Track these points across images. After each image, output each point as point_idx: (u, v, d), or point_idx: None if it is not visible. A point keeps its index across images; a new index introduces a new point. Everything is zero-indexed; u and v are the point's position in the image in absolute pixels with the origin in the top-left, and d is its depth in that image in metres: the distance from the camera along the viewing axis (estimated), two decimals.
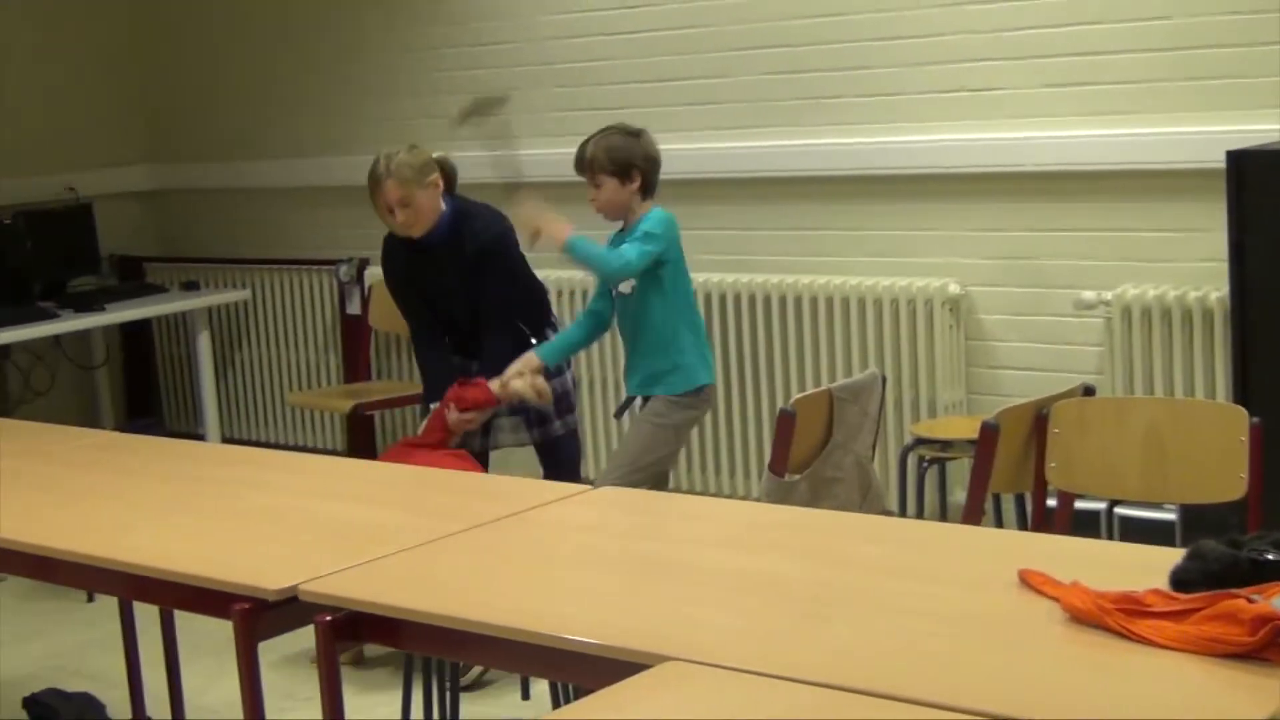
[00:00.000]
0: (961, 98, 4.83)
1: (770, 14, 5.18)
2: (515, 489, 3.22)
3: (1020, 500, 3.88)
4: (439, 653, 3.13)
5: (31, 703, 4.24)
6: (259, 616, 2.51)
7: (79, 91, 6.93)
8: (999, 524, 4.27)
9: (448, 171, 4.42)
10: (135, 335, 7.09)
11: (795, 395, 3.79)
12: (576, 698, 2.55)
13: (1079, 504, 3.57)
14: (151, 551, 2.77)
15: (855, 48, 5.00)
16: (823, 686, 1.96)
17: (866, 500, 3.76)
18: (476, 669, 4.24)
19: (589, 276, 4.68)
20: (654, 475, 4.15)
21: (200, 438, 6.45)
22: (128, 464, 3.55)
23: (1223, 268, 4.09)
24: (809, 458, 3.63)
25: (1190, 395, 4.40)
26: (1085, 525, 4.08)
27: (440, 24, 6.05)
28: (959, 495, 4.56)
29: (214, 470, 3.47)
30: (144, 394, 7.21)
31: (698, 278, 5.31)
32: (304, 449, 6.54)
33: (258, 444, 6.58)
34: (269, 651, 2.59)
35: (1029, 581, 2.24)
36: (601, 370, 5.60)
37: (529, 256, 4.50)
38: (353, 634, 2.49)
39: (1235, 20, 4.32)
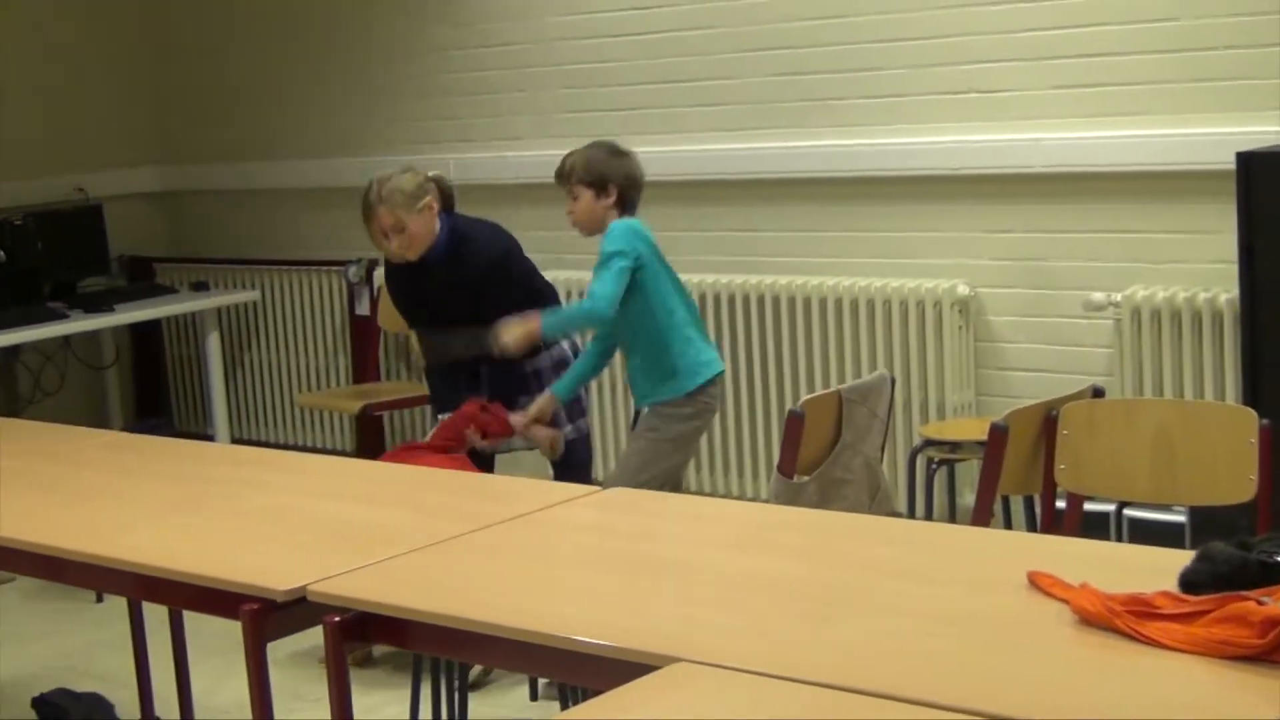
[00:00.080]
0: (970, 99, 4.82)
1: (778, 16, 5.17)
2: (523, 490, 3.22)
3: (1029, 502, 3.88)
4: (447, 654, 3.13)
5: (40, 703, 4.24)
6: (268, 617, 2.51)
7: (89, 93, 6.94)
8: (1008, 526, 4.26)
9: (444, 190, 4.36)
10: (145, 336, 7.10)
11: (804, 396, 3.78)
12: (585, 698, 2.54)
13: (1088, 506, 3.56)
14: (160, 552, 2.78)
15: (865, 50, 5.00)
16: (832, 688, 1.96)
17: (875, 502, 3.76)
18: (479, 666, 4.24)
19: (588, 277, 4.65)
20: (659, 488, 4.10)
21: (209, 438, 6.45)
22: (136, 464, 3.55)
23: (1232, 269, 4.08)
24: (818, 459, 3.63)
25: (1200, 397, 4.40)
26: (1094, 527, 4.08)
27: (448, 25, 6.05)
28: (968, 497, 4.56)
29: (222, 471, 3.47)
30: (153, 394, 7.22)
31: (706, 278, 5.33)
32: (313, 449, 6.55)
33: (267, 444, 6.59)
34: (276, 651, 2.59)
35: (1038, 583, 2.24)
36: (610, 373, 5.59)
37: (535, 259, 4.50)
38: (361, 635, 2.49)
39: (1245, 21, 4.32)
